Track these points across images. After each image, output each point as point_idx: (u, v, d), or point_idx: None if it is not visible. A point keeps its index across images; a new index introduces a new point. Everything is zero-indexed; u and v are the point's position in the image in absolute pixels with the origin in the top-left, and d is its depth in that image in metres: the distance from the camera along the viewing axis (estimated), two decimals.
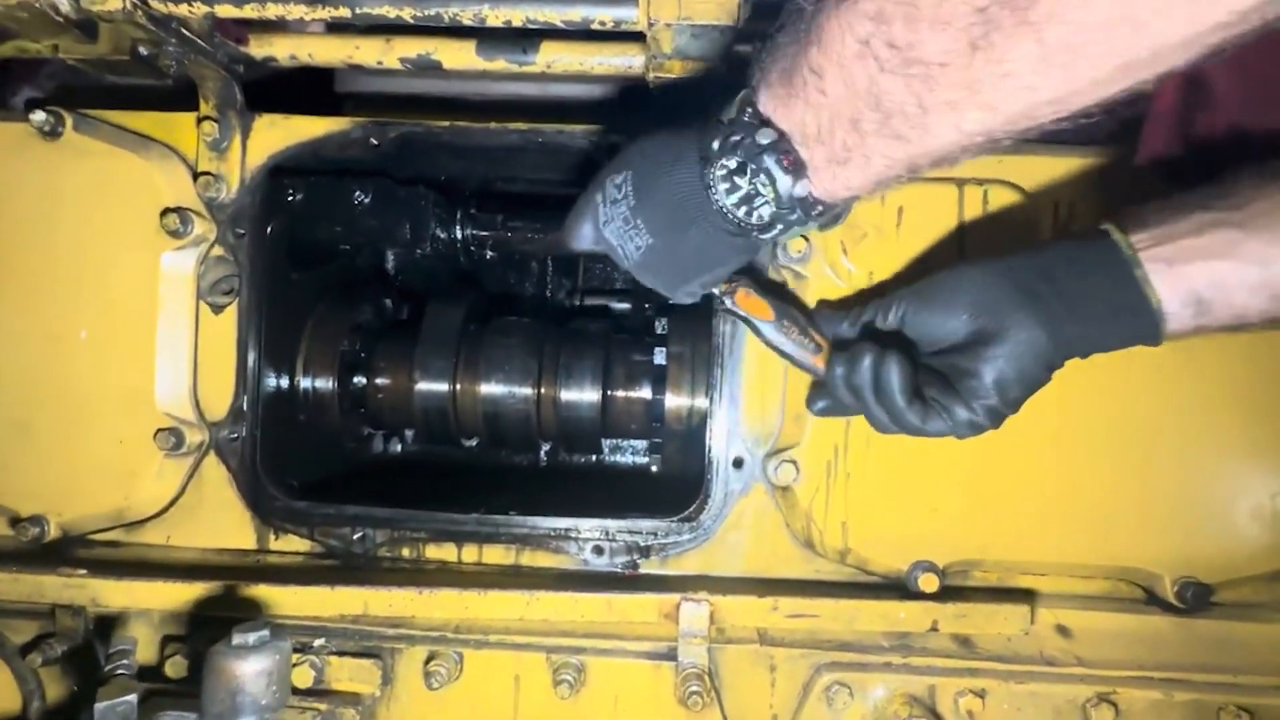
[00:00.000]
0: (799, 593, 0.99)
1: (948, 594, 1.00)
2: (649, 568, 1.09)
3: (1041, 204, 1.02)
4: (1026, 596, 1.02)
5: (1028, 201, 1.02)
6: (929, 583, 1.00)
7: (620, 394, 1.29)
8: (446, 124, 1.10)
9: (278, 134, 1.11)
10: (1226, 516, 1.01)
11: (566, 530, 1.10)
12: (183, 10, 0.90)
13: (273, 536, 1.11)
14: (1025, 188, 1.02)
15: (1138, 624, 1.02)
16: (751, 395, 1.07)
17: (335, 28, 1.09)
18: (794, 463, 1.03)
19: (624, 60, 1.02)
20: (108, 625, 1.01)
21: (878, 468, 1.03)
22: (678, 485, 1.23)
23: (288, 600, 0.97)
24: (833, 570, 1.06)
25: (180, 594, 0.97)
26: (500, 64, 1.03)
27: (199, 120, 1.09)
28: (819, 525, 1.04)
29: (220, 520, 1.11)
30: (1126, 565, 1.03)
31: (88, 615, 1.00)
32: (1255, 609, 1.04)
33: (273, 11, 0.90)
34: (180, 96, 1.13)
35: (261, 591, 0.96)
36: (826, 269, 1.04)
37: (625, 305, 1.56)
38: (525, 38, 1.01)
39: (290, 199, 1.10)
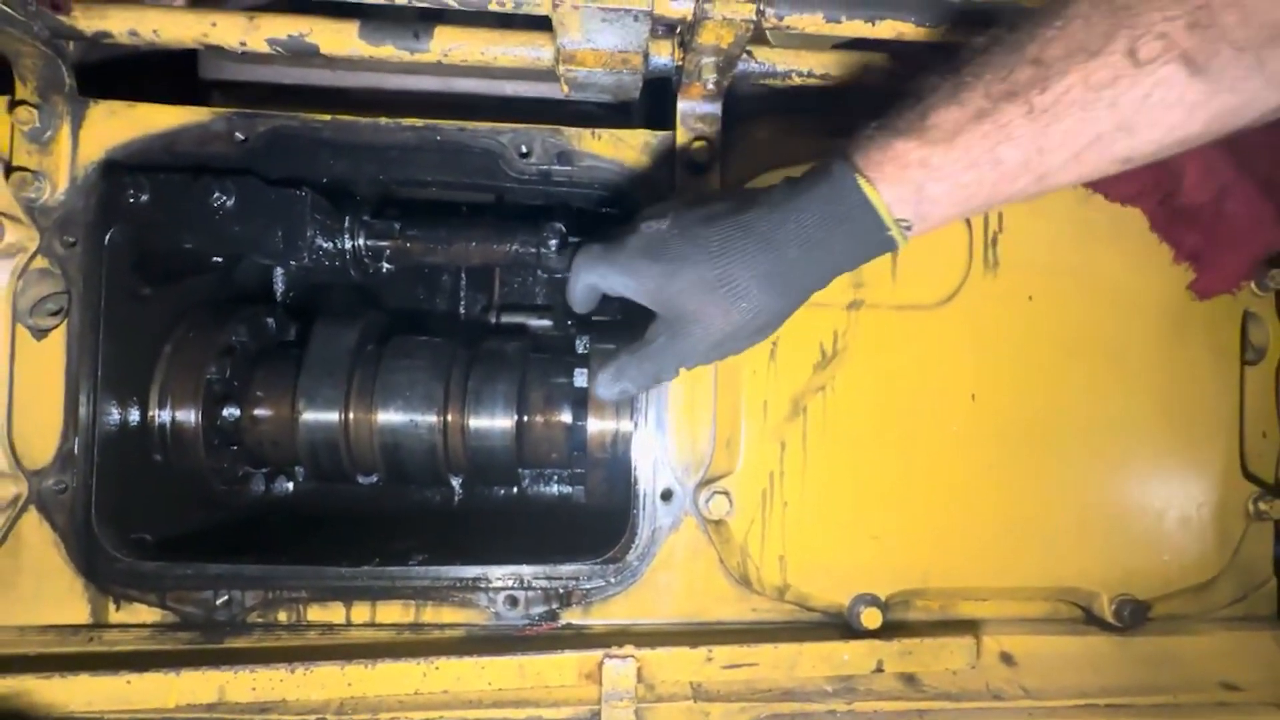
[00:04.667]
0: (735, 639, 0.90)
1: (891, 629, 0.94)
2: (570, 617, 0.97)
3: None
4: (970, 627, 0.97)
5: None
6: (872, 618, 0.93)
7: (538, 420, 1.16)
8: (328, 118, 0.96)
9: (118, 125, 0.94)
10: (1157, 531, 1.00)
11: (475, 580, 0.97)
12: None
13: (113, 607, 0.92)
14: None
15: (1079, 646, 0.99)
16: (680, 419, 0.98)
17: (194, 0, 0.93)
18: (726, 494, 0.94)
19: (531, 51, 0.91)
20: None
21: (815, 494, 0.96)
22: (605, 519, 1.12)
23: (120, 692, 0.79)
24: (770, 609, 0.98)
25: None
26: (388, 50, 0.90)
27: (10, 105, 0.90)
28: (755, 561, 0.95)
29: (44, 591, 0.91)
30: (1065, 585, 1.00)
31: None
32: (1186, 621, 1.03)
33: None
34: None
35: (82, 684, 0.78)
36: None
37: (546, 322, 1.43)
38: (416, 21, 0.89)
39: (133, 200, 0.93)
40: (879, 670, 0.89)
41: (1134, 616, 0.98)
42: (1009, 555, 0.98)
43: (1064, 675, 0.96)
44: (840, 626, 0.96)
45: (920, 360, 0.97)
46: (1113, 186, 0.92)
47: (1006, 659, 0.97)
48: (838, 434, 0.96)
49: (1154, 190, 0.88)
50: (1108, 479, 0.99)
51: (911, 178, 0.64)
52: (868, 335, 0.97)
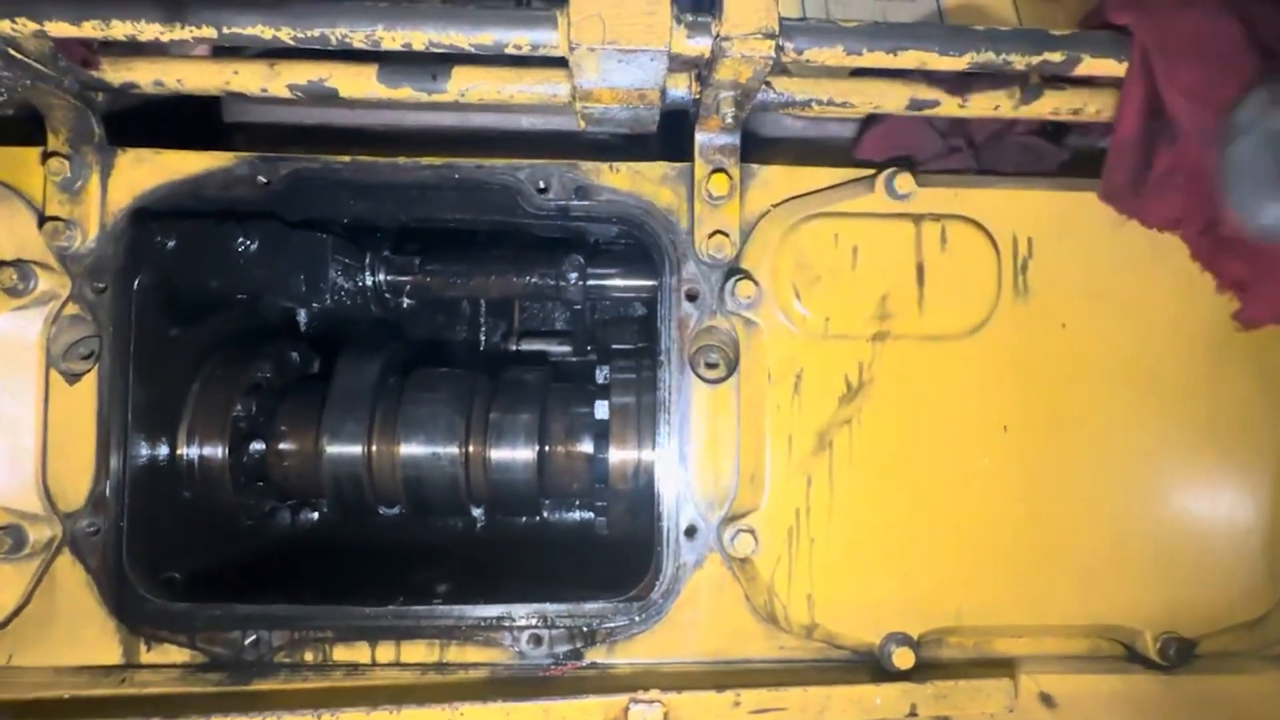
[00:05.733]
0: (762, 680, 0.88)
1: (924, 669, 0.91)
2: (595, 655, 0.96)
3: (1001, 237, 0.96)
4: (1007, 666, 0.94)
5: (986, 236, 0.96)
6: (904, 658, 0.90)
7: (559, 451, 1.16)
8: (347, 159, 0.97)
9: (145, 172, 0.95)
10: (1203, 566, 0.96)
11: (499, 619, 0.96)
12: (5, 28, 0.75)
13: (143, 647, 0.93)
14: (983, 222, 0.96)
15: (1122, 685, 0.95)
16: (703, 454, 0.96)
17: (217, 50, 0.95)
18: (751, 531, 0.92)
19: (547, 88, 0.91)
20: None
21: (843, 530, 0.94)
22: (627, 549, 1.10)
23: None
24: (799, 647, 0.96)
25: None
26: (406, 92, 0.90)
27: (44, 156, 0.92)
28: (782, 599, 0.93)
29: (77, 632, 0.92)
30: (1106, 623, 0.97)
31: None
32: (1236, 659, 0.98)
33: (121, 31, 0.75)
34: (23, 127, 0.96)
35: None
36: (779, 314, 0.95)
37: (566, 348, 1.43)
38: (434, 63, 0.89)
39: (161, 246, 0.94)
40: (913, 714, 0.87)
41: (1180, 654, 0.94)
42: (1046, 591, 0.95)
43: (1107, 717, 0.93)
44: (871, 666, 0.94)
45: (950, 391, 0.95)
46: (1151, 212, 0.88)
47: (1046, 700, 0.94)
48: (865, 468, 0.94)
49: (1194, 217, 0.85)
50: (1150, 512, 0.96)
51: None
52: (894, 367, 0.94)
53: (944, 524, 0.94)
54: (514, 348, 1.43)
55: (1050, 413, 0.96)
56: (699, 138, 0.96)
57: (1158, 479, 0.96)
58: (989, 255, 0.95)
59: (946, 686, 0.87)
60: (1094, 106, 0.91)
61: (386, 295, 1.11)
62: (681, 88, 0.91)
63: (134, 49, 0.88)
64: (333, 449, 1.13)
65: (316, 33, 0.76)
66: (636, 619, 0.95)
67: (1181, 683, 0.96)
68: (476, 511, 1.31)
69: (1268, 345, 0.97)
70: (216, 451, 1.10)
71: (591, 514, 1.31)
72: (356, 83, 0.90)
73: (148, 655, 0.93)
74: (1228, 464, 0.97)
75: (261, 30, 0.76)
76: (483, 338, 1.46)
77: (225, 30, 0.76)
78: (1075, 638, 0.99)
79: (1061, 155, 1.01)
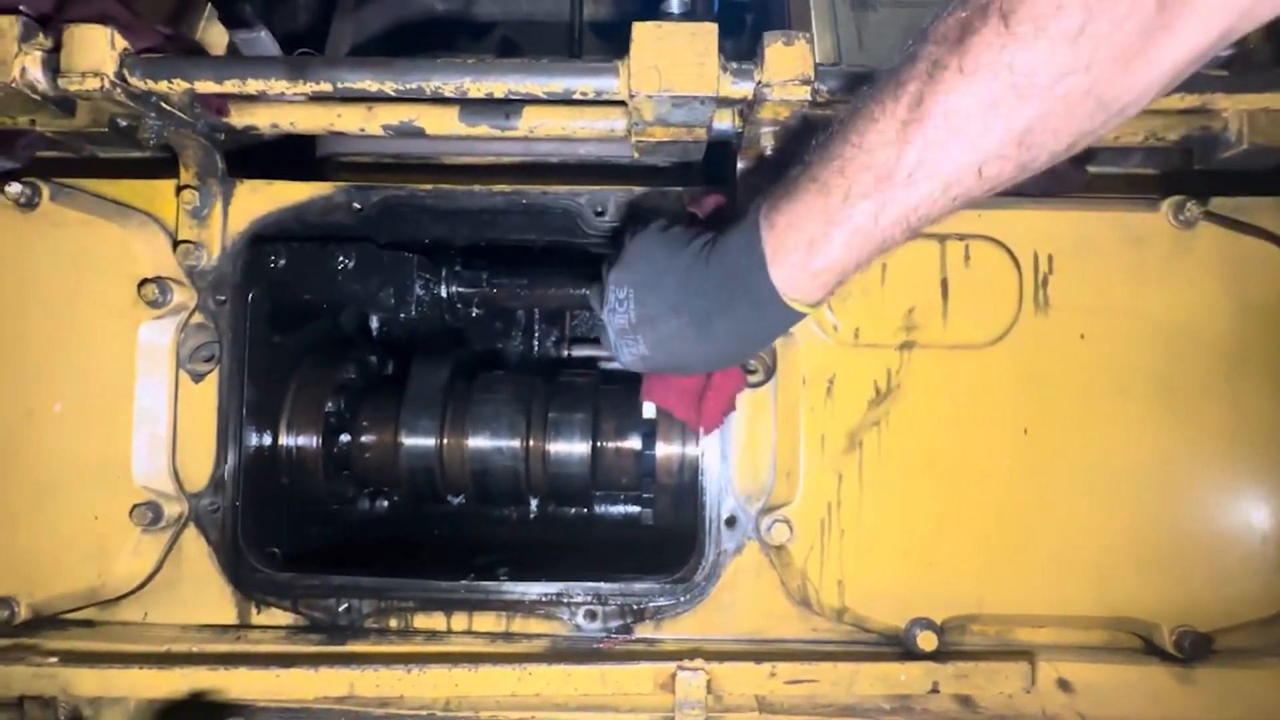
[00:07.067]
0: (797, 656, 0.97)
1: (947, 652, 0.99)
2: (643, 631, 1.07)
3: (1022, 255, 1.03)
4: (1026, 654, 1.01)
5: (1008, 254, 1.03)
6: (928, 641, 0.99)
7: (610, 447, 1.27)
8: (429, 187, 1.10)
9: (259, 200, 1.11)
10: (1219, 563, 1.01)
11: (558, 595, 1.07)
12: (162, 87, 0.90)
13: (254, 610, 1.08)
14: (1005, 241, 1.03)
15: (1138, 675, 1.01)
16: (742, 452, 1.06)
17: (317, 95, 1.09)
18: (786, 521, 1.02)
19: (607, 124, 1.02)
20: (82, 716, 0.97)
21: (872, 523, 1.02)
22: (673, 536, 1.21)
23: (270, 684, 0.93)
24: (830, 629, 1.05)
25: (156, 681, 0.93)
26: (483, 129, 1.03)
27: (179, 189, 1.08)
28: (815, 584, 1.02)
29: (200, 595, 1.07)
30: (1124, 615, 1.03)
31: (59, 706, 0.96)
32: (1254, 655, 1.03)
33: (253, 87, 0.90)
34: (160, 164, 1.12)
35: (241, 676, 0.93)
36: (813, 324, 1.04)
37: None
38: (508, 104, 1.02)
39: (272, 265, 1.09)
40: (934, 691, 0.95)
41: (1195, 648, 0.99)
42: (1064, 584, 1.01)
43: (1123, 704, 0.99)
44: (897, 648, 1.02)
45: (972, 397, 1.03)
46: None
47: (1064, 685, 1.01)
48: (893, 466, 1.02)
49: None
50: (1166, 511, 1.02)
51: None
52: (921, 373, 1.03)
53: (967, 519, 1.02)
54: (565, 353, 1.55)
55: (1069, 417, 1.02)
56: (740, 165, 1.06)
57: (1173, 480, 1.02)
58: (1010, 271, 1.03)
59: (967, 667, 0.95)
60: (1114, 133, 0.98)
61: (458, 305, 1.24)
62: (726, 121, 1.02)
63: (255, 98, 1.03)
64: (409, 442, 1.26)
65: (414, 85, 0.89)
66: (682, 599, 1.06)
67: (1198, 676, 1.01)
68: (533, 502, 1.43)
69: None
70: (311, 442, 1.24)
71: (638, 506, 1.42)
72: (441, 122, 1.03)
73: (258, 617, 1.08)
74: (1243, 467, 1.02)
75: (369, 85, 0.89)
76: (536, 344, 1.59)
77: (339, 85, 0.89)
78: (1093, 629, 1.05)
79: (1083, 178, 1.08)
